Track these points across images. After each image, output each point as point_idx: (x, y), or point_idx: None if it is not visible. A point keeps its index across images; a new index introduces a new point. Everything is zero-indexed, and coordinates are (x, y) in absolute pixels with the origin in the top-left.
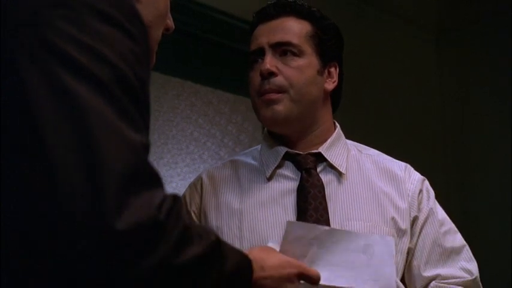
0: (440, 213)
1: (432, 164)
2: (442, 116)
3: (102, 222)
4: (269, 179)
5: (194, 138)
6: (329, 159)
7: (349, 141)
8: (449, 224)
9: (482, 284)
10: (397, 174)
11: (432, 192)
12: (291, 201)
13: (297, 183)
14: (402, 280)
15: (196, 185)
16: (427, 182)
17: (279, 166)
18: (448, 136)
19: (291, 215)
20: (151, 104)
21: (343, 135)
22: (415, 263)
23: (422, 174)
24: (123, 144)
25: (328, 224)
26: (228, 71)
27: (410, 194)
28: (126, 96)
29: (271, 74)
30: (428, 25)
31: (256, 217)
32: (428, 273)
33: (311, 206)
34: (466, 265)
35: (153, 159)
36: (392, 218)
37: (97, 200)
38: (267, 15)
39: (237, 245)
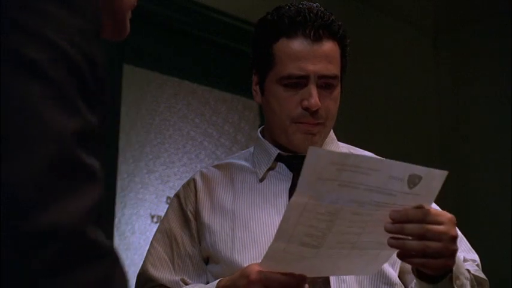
0: (434, 207)
1: (428, 164)
2: (439, 116)
3: (16, 223)
4: (261, 180)
5: (191, 138)
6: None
7: (341, 144)
8: None
9: None
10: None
11: None
12: (283, 201)
13: (289, 184)
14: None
15: (190, 185)
16: None
17: (272, 167)
18: (445, 135)
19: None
20: (150, 102)
21: (335, 137)
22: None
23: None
24: (39, 131)
25: None
26: (225, 71)
27: None
28: (66, 78)
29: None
30: (425, 26)
31: (249, 217)
32: None
33: None
34: (467, 256)
35: (150, 159)
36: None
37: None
38: (312, 34)
39: (229, 244)
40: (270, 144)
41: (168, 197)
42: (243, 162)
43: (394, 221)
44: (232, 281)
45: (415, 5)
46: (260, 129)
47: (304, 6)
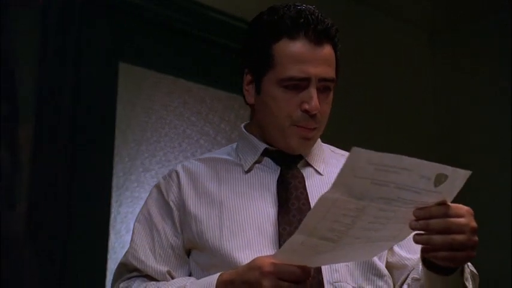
0: None
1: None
2: (436, 115)
3: None
4: (247, 171)
5: (187, 136)
6: (307, 159)
7: (324, 145)
8: None
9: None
10: None
11: None
12: (271, 191)
13: (276, 176)
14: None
15: (172, 176)
16: None
17: (258, 161)
18: (441, 134)
19: (272, 205)
20: (145, 101)
21: (319, 138)
22: (397, 249)
23: None
24: None
25: None
26: (221, 69)
27: None
28: None
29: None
30: (421, 25)
31: (236, 206)
32: (418, 255)
33: (292, 195)
34: None
35: (146, 157)
36: None
37: None
38: (313, 36)
39: (216, 233)
40: (256, 139)
41: None
42: (226, 157)
43: (418, 218)
44: (239, 274)
45: (412, 3)
46: (244, 125)
47: (304, 7)
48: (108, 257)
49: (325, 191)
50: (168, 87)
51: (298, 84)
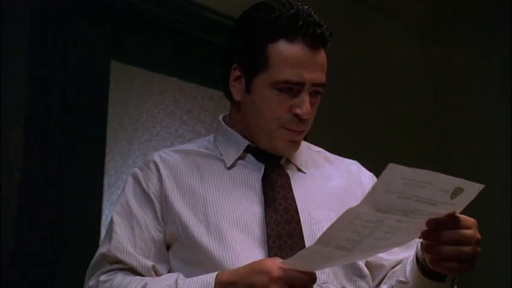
0: None
1: (414, 164)
2: (425, 116)
3: None
4: (230, 167)
5: (179, 135)
6: (288, 156)
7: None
8: None
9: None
10: (350, 168)
11: None
12: (255, 189)
13: (260, 174)
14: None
15: (150, 167)
16: (375, 178)
17: (241, 157)
18: (432, 134)
19: (257, 203)
20: (137, 99)
21: None
22: None
23: None
24: None
25: (297, 214)
26: (213, 68)
27: (366, 186)
28: None
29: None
30: (412, 23)
31: (222, 202)
32: (395, 257)
33: (279, 194)
34: None
35: (137, 156)
36: None
37: None
38: (310, 41)
39: (203, 229)
40: (238, 135)
41: None
42: (204, 150)
43: (432, 229)
44: (241, 276)
45: (403, 2)
46: (222, 117)
47: (300, 8)
48: None
49: (309, 189)
50: (160, 85)
51: (292, 88)
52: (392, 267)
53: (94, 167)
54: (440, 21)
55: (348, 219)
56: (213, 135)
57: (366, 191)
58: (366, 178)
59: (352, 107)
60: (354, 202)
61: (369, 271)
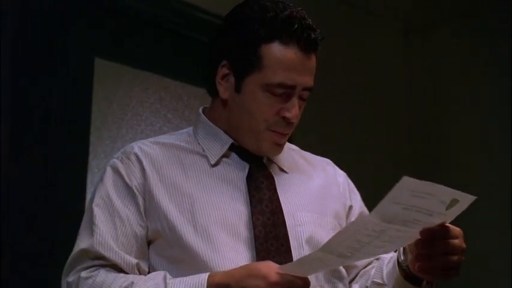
0: (363, 203)
1: (398, 165)
2: (410, 116)
3: None
4: (214, 165)
5: (163, 133)
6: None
7: None
8: None
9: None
10: (326, 167)
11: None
12: (240, 189)
13: (244, 174)
14: None
15: (132, 159)
16: (348, 178)
17: (224, 155)
18: (416, 136)
19: (242, 203)
20: (121, 97)
21: None
22: None
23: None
24: None
25: (282, 216)
26: (198, 65)
27: (341, 185)
28: None
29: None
30: (396, 23)
31: (207, 203)
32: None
33: (266, 196)
34: None
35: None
36: (334, 209)
37: None
38: (304, 46)
39: (190, 229)
40: (222, 132)
41: None
42: (185, 144)
43: (424, 238)
44: (235, 280)
45: (386, 3)
46: (202, 110)
47: (294, 10)
48: None
49: (292, 190)
50: (145, 83)
51: (283, 91)
52: (364, 267)
53: (78, 165)
54: (423, 23)
55: (355, 228)
56: (190, 128)
57: (342, 191)
58: (341, 178)
59: (332, 109)
60: (333, 202)
61: (348, 270)
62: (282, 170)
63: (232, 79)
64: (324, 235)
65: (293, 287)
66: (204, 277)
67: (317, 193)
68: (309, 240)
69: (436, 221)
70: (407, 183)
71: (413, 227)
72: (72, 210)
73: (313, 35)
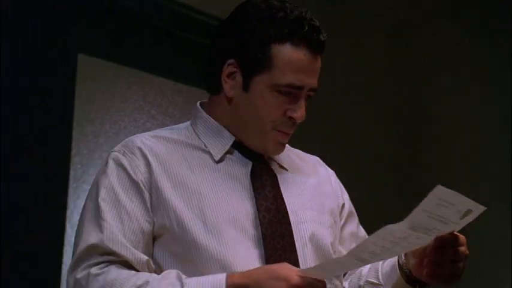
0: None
1: (385, 167)
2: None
3: None
4: (219, 161)
5: (147, 129)
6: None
7: None
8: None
9: None
10: (316, 165)
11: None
12: (245, 186)
13: (247, 171)
14: None
15: (136, 153)
16: (336, 177)
17: (228, 152)
18: (403, 136)
19: (248, 201)
20: (104, 93)
21: None
22: (340, 249)
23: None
24: None
25: (287, 214)
26: (182, 62)
27: (333, 183)
28: None
29: None
30: (381, 23)
31: (216, 199)
32: None
33: (271, 194)
34: None
35: (105, 149)
36: (330, 206)
37: None
38: (313, 48)
39: (200, 226)
40: (224, 129)
41: None
42: (186, 140)
43: (437, 246)
44: (254, 281)
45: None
46: (200, 104)
47: (302, 11)
48: (64, 250)
49: (293, 188)
50: (128, 79)
51: (291, 92)
52: None
53: (60, 161)
54: (408, 23)
55: (383, 234)
56: (187, 122)
57: (334, 188)
58: (333, 176)
59: (317, 110)
60: (328, 200)
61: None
62: (282, 167)
63: (239, 77)
64: (325, 232)
65: None
66: (222, 277)
67: (314, 191)
68: (312, 238)
69: (448, 229)
70: (439, 192)
71: (431, 235)
72: (54, 206)
73: (321, 37)
